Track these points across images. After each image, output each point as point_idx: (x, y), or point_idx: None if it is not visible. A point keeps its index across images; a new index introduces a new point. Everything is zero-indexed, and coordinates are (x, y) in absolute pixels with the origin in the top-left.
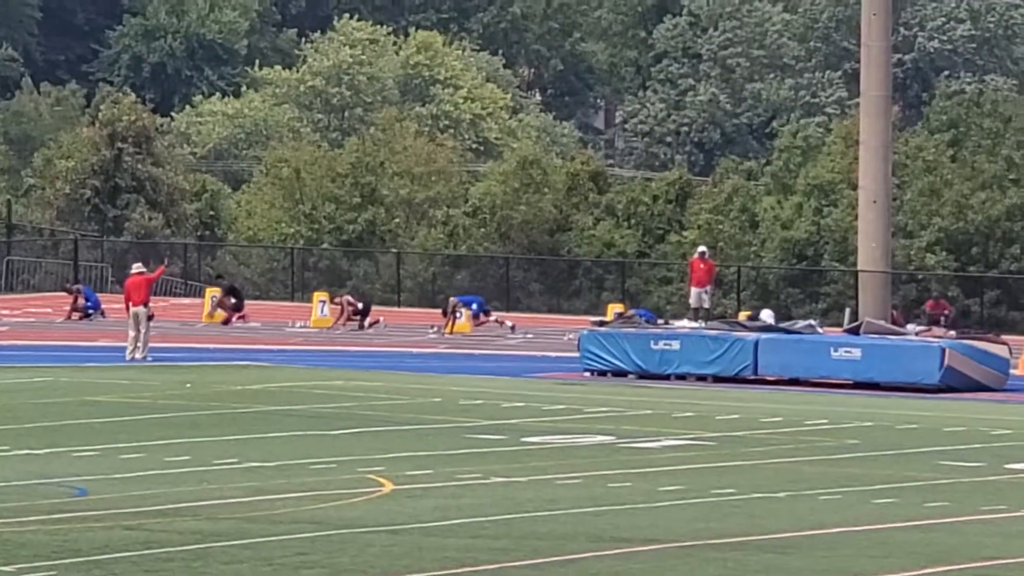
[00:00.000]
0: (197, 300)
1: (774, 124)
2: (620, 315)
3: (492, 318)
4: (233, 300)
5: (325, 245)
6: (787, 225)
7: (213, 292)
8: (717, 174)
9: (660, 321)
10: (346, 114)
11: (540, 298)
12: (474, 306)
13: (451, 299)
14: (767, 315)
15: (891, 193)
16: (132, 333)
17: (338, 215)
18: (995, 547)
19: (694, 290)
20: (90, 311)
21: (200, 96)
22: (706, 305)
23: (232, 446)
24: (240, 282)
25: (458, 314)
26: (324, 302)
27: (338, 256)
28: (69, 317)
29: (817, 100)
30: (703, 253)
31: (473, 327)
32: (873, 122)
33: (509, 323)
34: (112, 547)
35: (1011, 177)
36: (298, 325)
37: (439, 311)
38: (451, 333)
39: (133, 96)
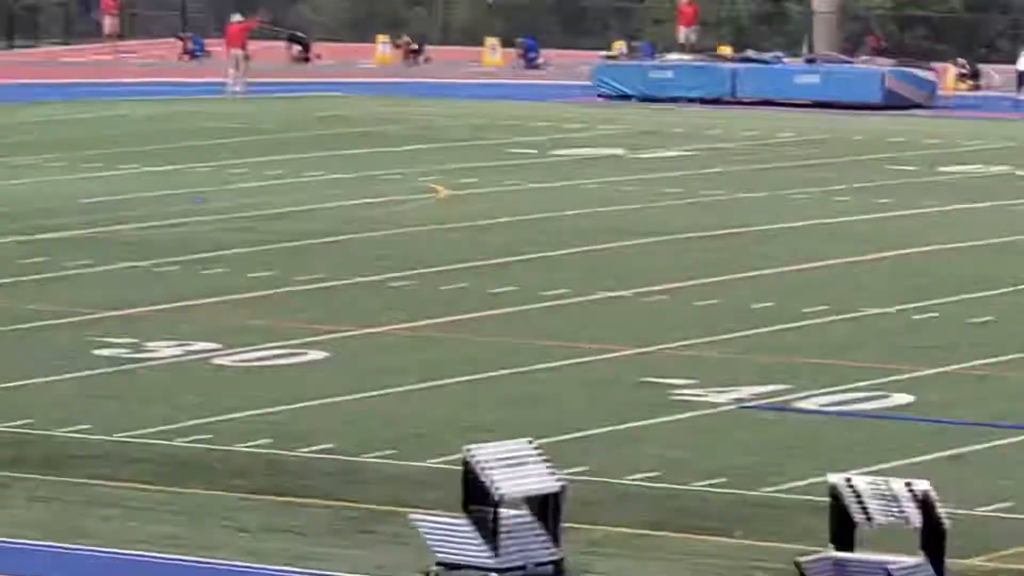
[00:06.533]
0: (282, 43)
1: None
2: (629, 44)
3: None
4: (299, 47)
5: None
6: None
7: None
8: None
9: (656, 55)
10: None
11: (561, 37)
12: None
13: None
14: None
15: None
16: (232, 71)
17: None
18: (922, 234)
19: (682, 29)
20: (198, 53)
21: None
22: (692, 41)
23: (317, 162)
24: (309, 29)
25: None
26: (386, 44)
27: (399, 4)
28: (180, 58)
29: None
30: None
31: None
32: None
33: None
34: (226, 245)
35: None
36: (364, 63)
37: (478, 49)
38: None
39: None
